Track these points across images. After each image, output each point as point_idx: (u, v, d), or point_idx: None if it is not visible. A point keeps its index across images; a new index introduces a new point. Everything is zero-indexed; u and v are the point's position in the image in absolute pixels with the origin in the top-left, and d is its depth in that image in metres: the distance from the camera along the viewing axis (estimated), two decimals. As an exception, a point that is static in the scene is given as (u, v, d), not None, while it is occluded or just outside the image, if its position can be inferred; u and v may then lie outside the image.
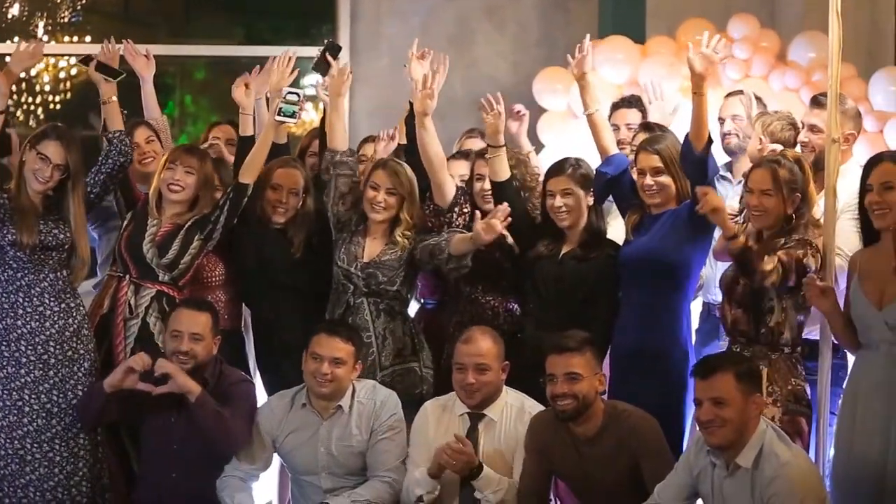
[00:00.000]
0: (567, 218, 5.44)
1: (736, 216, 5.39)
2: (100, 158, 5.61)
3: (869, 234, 4.81)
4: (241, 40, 9.00)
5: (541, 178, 5.68)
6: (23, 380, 5.31)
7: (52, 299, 5.37)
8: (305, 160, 6.21)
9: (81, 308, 5.48)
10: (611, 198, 5.61)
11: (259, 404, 5.46)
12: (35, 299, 5.35)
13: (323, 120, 5.97)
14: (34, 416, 5.31)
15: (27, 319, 5.34)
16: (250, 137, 5.80)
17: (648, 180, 5.29)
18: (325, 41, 5.99)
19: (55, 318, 5.36)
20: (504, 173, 5.50)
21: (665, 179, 5.29)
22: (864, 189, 4.77)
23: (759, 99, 6.13)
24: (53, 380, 5.34)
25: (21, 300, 5.34)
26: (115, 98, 5.71)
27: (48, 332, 5.34)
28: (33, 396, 5.32)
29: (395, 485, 5.16)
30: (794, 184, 4.99)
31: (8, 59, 5.68)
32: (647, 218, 5.35)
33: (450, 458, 4.95)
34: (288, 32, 8.96)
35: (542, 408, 5.10)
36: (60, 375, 5.36)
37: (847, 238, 5.13)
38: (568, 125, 7.34)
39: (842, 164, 5.29)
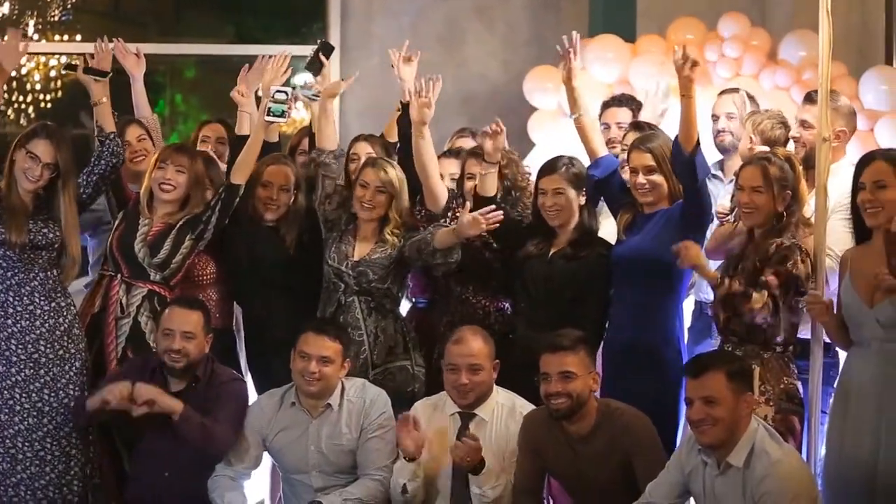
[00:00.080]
0: (557, 217, 5.44)
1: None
2: (92, 159, 5.60)
3: (861, 232, 4.80)
4: (231, 39, 9.00)
5: (531, 178, 5.68)
6: (13, 378, 5.30)
7: (42, 298, 5.36)
8: (296, 158, 6.20)
9: (72, 307, 5.47)
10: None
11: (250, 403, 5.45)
12: (25, 298, 5.34)
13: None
14: (25, 415, 5.30)
15: (17, 318, 5.33)
16: (247, 137, 5.78)
17: (641, 179, 5.29)
18: (318, 41, 5.98)
19: (45, 318, 5.35)
20: (492, 189, 5.49)
21: (657, 178, 5.28)
22: (857, 187, 4.76)
23: (752, 98, 6.13)
24: (44, 379, 5.33)
25: (11, 299, 5.33)
26: (105, 99, 5.69)
27: (38, 331, 5.34)
28: (24, 395, 5.31)
29: (385, 483, 5.16)
30: (785, 181, 4.98)
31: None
32: (640, 217, 5.35)
33: (465, 455, 4.93)
34: (278, 31, 8.96)
35: (533, 407, 5.10)
36: (52, 374, 5.35)
37: (838, 238, 5.12)
38: (558, 124, 7.32)
39: (834, 162, 5.29)
